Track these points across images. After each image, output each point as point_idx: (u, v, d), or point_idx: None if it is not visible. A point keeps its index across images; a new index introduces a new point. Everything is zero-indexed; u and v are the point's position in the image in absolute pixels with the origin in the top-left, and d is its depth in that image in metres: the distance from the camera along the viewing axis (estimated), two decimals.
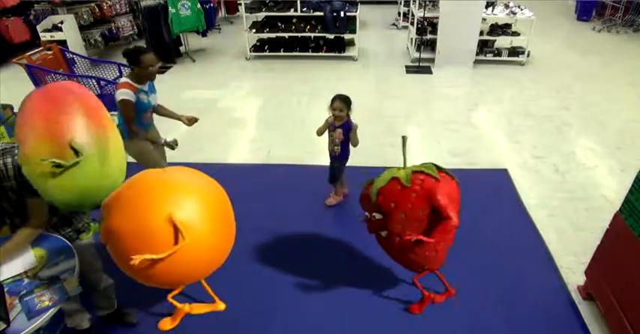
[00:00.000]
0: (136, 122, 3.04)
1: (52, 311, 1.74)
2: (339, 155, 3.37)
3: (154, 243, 1.77)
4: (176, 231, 1.76)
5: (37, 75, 4.31)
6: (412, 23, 7.58)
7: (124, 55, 2.95)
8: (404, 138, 2.43)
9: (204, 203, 1.93)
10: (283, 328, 2.60)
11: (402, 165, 2.40)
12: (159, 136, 3.34)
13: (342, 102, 3.14)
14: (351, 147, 3.36)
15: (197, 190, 1.97)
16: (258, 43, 7.69)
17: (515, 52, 7.00)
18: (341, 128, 3.23)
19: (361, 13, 7.38)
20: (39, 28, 6.65)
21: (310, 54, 7.40)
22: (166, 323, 2.57)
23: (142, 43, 7.70)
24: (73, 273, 1.89)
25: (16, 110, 4.50)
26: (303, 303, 2.75)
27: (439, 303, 2.66)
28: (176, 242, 1.77)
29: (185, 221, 1.78)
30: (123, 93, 2.91)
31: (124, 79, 2.99)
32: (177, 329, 2.58)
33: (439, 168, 2.29)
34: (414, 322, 2.60)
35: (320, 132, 3.32)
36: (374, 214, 2.34)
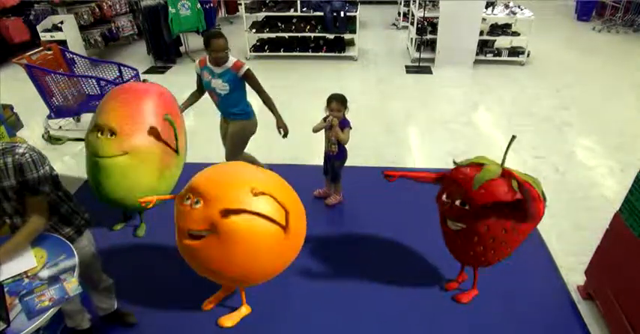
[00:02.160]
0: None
1: (52, 311, 1.74)
2: (338, 154, 3.38)
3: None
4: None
5: (37, 75, 4.30)
6: (412, 23, 7.58)
7: (210, 37, 3.13)
8: (513, 137, 2.29)
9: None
10: (284, 328, 2.60)
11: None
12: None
13: (338, 103, 3.16)
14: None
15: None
16: (258, 43, 7.69)
17: (515, 51, 7.01)
18: (337, 127, 3.23)
19: (361, 13, 7.38)
20: (39, 28, 6.65)
21: (310, 54, 7.40)
22: (227, 321, 2.58)
23: (142, 43, 7.70)
24: (73, 273, 1.89)
25: (16, 110, 4.51)
26: (305, 303, 2.76)
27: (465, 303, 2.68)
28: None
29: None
30: (246, 65, 3.21)
31: (233, 58, 3.24)
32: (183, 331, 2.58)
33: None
34: (413, 321, 2.60)
35: (316, 130, 3.31)
36: (457, 202, 2.19)
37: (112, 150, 2.70)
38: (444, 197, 2.30)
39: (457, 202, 2.21)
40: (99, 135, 2.72)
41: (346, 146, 3.38)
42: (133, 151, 2.75)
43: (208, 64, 3.22)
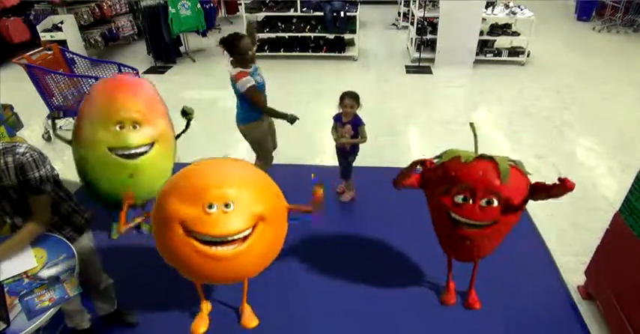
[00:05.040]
0: (249, 108, 3.21)
1: (52, 311, 1.74)
2: (351, 149, 3.46)
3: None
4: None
5: (37, 75, 4.30)
6: (412, 23, 7.57)
7: (222, 42, 3.04)
8: (472, 125, 2.25)
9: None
10: (283, 327, 2.60)
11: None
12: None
13: (352, 99, 3.26)
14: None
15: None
16: (258, 43, 7.69)
17: (515, 52, 7.00)
18: (350, 124, 3.32)
19: (361, 13, 7.38)
20: (39, 28, 6.64)
21: (310, 54, 7.40)
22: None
23: (142, 43, 7.70)
24: (73, 273, 1.89)
25: (16, 110, 4.50)
26: (307, 302, 2.76)
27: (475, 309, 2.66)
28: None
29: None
30: (248, 81, 3.04)
31: (237, 69, 3.08)
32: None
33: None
34: (413, 321, 2.60)
35: (338, 142, 3.45)
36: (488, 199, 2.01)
37: (144, 139, 2.61)
38: (457, 199, 2.06)
39: (483, 201, 2.01)
40: (117, 129, 2.57)
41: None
42: (160, 138, 2.71)
43: (248, 71, 3.09)
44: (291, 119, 3.27)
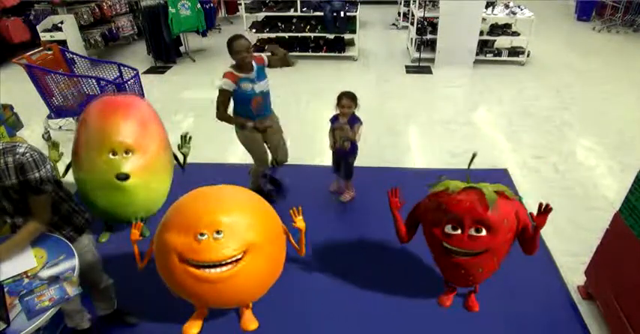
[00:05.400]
0: (240, 111, 3.18)
1: (52, 311, 1.74)
2: (351, 149, 3.44)
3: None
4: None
5: (37, 75, 4.30)
6: (412, 23, 7.57)
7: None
8: (474, 155, 2.33)
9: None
10: (286, 328, 2.60)
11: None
12: (274, 123, 3.42)
13: (349, 99, 3.26)
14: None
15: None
16: (258, 43, 7.68)
17: (515, 52, 7.00)
18: (347, 124, 3.31)
19: (361, 13, 7.38)
20: (39, 28, 6.64)
21: (310, 54, 7.40)
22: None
23: (142, 43, 7.70)
24: (73, 273, 1.89)
25: (16, 110, 4.50)
26: (306, 303, 2.76)
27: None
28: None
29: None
30: (223, 82, 3.03)
31: (228, 69, 3.08)
32: None
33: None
34: (413, 321, 2.60)
35: (332, 146, 3.48)
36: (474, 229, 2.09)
37: (135, 167, 2.63)
38: (447, 229, 2.14)
39: (472, 231, 2.08)
40: (110, 156, 2.59)
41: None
42: (153, 164, 2.73)
43: (239, 74, 3.05)
44: (249, 128, 3.23)
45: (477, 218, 2.06)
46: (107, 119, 2.67)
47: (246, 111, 3.20)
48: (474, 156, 2.31)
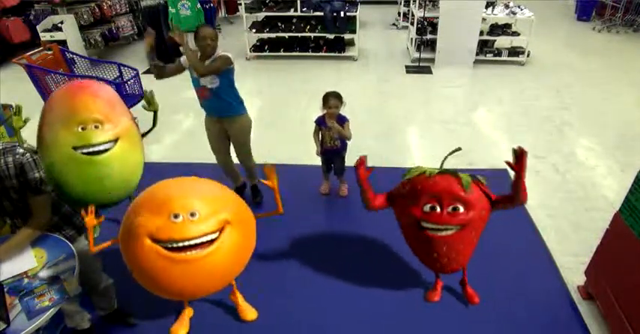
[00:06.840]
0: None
1: (52, 311, 1.74)
2: (340, 147, 3.47)
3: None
4: None
5: (37, 75, 4.31)
6: (412, 23, 7.57)
7: None
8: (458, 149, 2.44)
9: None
10: (286, 326, 2.60)
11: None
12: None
13: (336, 99, 3.26)
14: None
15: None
16: (258, 43, 7.69)
17: (515, 52, 7.00)
18: (336, 124, 3.29)
19: (361, 13, 7.38)
20: (39, 28, 6.65)
21: (310, 54, 7.40)
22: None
23: (142, 43, 7.70)
24: (73, 273, 1.89)
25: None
26: (305, 301, 2.76)
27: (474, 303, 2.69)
28: None
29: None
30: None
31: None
32: None
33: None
34: (412, 321, 2.60)
35: (319, 152, 3.52)
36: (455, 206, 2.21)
37: (106, 136, 2.53)
38: (425, 208, 2.25)
39: (449, 208, 2.22)
40: (79, 129, 2.50)
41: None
42: (124, 134, 2.63)
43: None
44: (151, 66, 3.40)
45: (455, 196, 2.19)
46: (74, 97, 2.62)
47: (198, 98, 3.29)
48: (456, 149, 2.39)
